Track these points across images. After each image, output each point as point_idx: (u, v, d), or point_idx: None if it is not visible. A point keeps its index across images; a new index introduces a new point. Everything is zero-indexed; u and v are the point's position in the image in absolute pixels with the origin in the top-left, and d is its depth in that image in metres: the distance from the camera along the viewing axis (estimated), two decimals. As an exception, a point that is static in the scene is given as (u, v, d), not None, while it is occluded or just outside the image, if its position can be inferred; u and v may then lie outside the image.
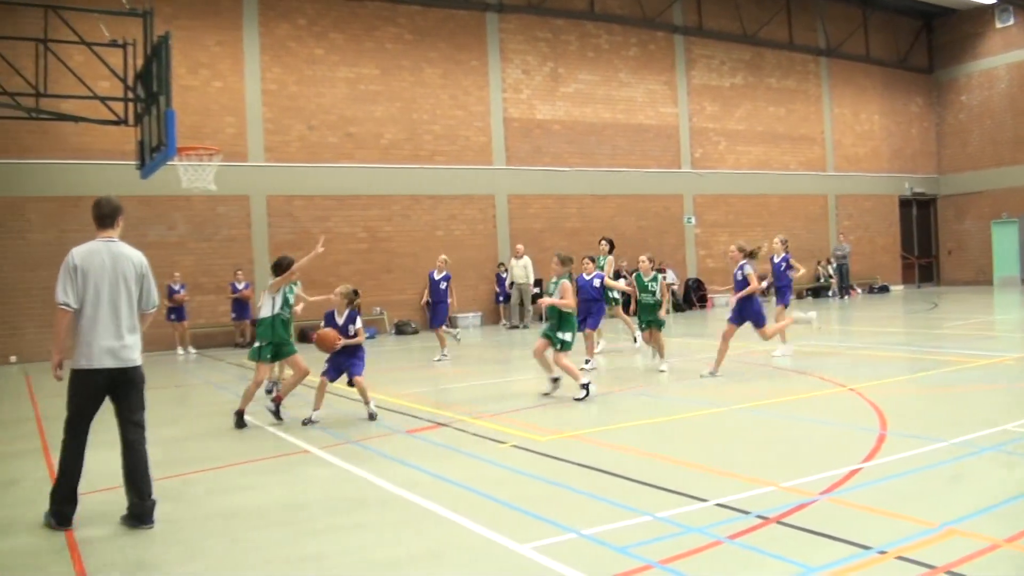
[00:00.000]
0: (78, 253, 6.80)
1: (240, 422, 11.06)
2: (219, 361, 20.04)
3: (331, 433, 10.31)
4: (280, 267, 11.48)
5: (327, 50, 25.73)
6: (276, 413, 11.14)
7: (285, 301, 11.61)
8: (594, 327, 15.37)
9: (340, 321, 11.22)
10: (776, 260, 16.86)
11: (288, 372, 12.82)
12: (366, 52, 26.27)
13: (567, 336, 12.01)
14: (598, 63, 30.19)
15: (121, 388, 6.85)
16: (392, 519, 6.71)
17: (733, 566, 5.35)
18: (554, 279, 12.40)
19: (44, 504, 7.55)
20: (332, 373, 11.13)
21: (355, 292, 11.43)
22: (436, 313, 18.06)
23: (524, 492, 7.31)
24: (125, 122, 15.85)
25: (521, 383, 13.97)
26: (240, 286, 23.17)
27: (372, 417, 11.00)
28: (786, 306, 16.79)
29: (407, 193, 26.64)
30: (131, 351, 6.84)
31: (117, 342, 6.76)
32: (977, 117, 37.34)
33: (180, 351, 22.52)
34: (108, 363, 6.72)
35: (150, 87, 14.71)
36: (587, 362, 15.08)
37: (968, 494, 6.62)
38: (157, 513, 6.84)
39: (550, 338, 12.05)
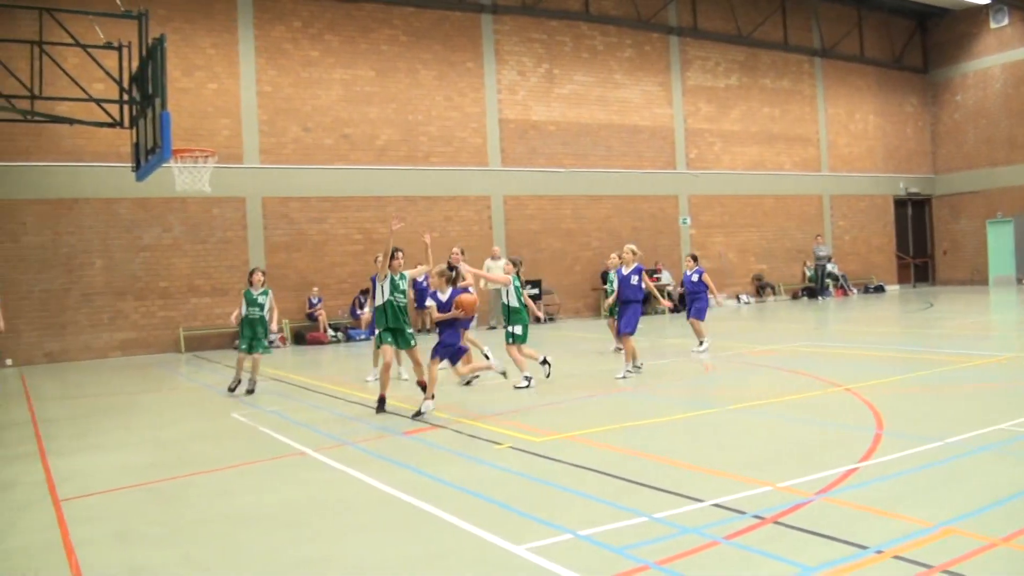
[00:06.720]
0: None
1: (380, 407, 11.70)
2: (215, 363, 20.01)
3: (327, 435, 10.31)
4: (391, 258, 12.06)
5: (322, 52, 25.72)
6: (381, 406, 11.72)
7: (395, 288, 11.93)
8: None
9: (444, 298, 11.72)
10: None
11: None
12: (361, 54, 26.27)
13: (517, 329, 13.63)
14: (593, 64, 30.21)
15: None
16: (390, 521, 6.71)
17: (730, 566, 5.35)
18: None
19: (40, 507, 7.59)
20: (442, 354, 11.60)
21: (450, 267, 12.00)
22: (624, 314, 14.60)
23: (521, 493, 7.33)
24: (120, 124, 15.81)
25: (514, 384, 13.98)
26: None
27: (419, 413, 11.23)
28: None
29: (402, 194, 26.62)
30: None
31: None
32: (972, 117, 37.35)
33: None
34: None
35: (145, 89, 14.69)
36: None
37: (965, 493, 6.63)
38: (154, 515, 6.98)
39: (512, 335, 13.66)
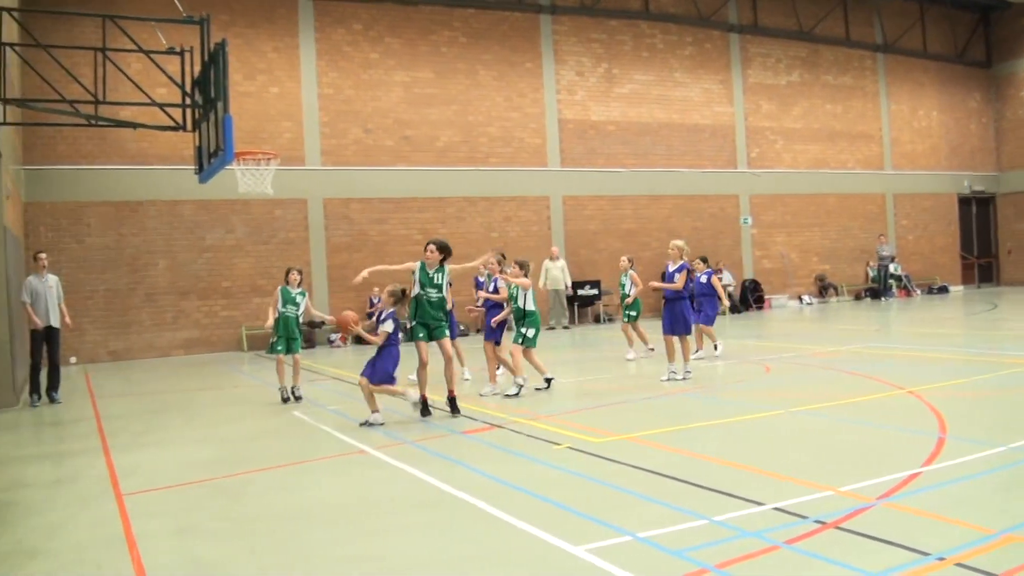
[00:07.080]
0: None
1: (425, 410, 11.39)
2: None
3: (387, 434, 10.37)
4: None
5: (383, 54, 25.89)
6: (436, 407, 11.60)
7: (428, 282, 11.73)
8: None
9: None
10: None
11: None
12: (421, 56, 26.39)
13: (529, 332, 13.22)
14: (653, 63, 30.05)
15: None
16: (448, 520, 6.75)
17: (791, 571, 5.30)
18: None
19: (103, 501, 7.71)
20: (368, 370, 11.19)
21: (403, 292, 11.40)
22: (671, 313, 14.18)
23: (579, 494, 7.31)
24: (183, 128, 15.99)
25: (572, 385, 13.95)
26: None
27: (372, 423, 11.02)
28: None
29: (462, 195, 26.73)
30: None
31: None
32: (1038, 113, 36.61)
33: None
34: None
35: (207, 93, 14.84)
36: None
37: (1030, 499, 6.52)
38: (215, 510, 7.19)
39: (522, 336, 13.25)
